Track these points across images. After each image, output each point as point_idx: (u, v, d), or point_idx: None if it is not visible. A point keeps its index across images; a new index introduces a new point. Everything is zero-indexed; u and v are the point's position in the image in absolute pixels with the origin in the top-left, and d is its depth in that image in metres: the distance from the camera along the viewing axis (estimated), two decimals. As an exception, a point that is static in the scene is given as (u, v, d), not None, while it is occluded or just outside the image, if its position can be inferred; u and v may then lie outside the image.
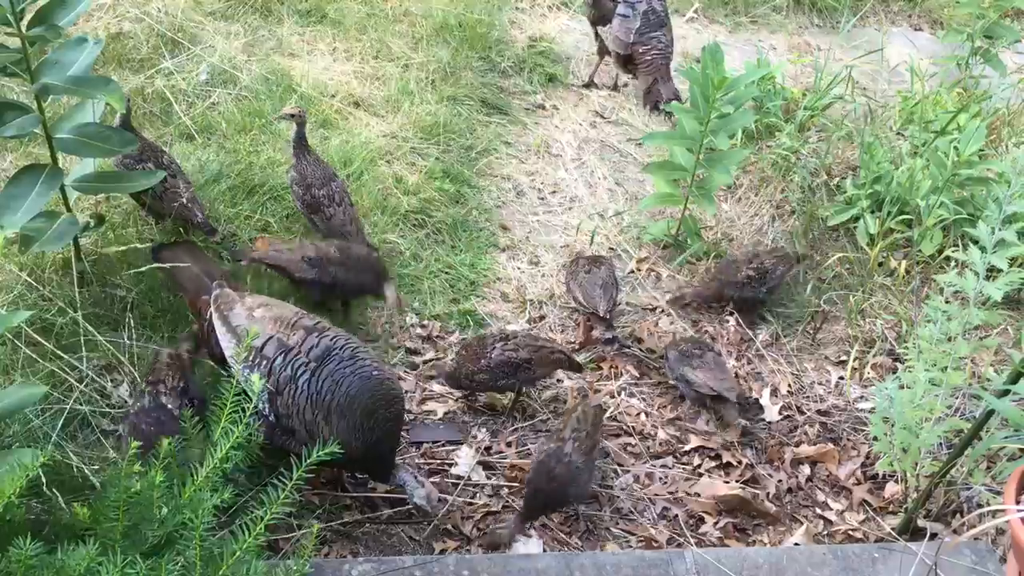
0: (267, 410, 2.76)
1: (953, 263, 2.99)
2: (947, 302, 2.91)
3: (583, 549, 2.95)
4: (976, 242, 2.81)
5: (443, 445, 3.23)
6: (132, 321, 3.28)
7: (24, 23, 2.84)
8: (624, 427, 3.39)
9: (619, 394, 3.49)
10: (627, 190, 4.47)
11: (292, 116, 3.68)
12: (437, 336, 3.63)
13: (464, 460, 3.17)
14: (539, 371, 3.35)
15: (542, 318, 3.79)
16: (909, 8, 6.06)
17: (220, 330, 2.91)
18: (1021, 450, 2.72)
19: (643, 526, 3.05)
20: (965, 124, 4.23)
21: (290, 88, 4.46)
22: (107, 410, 3.04)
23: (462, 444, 3.23)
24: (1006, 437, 2.68)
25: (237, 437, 2.08)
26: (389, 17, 5.07)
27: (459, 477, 3.12)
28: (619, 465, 3.26)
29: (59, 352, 3.08)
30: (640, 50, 4.77)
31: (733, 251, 4.06)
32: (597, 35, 4.99)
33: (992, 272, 2.84)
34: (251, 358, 2.80)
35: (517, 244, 4.11)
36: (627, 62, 4.86)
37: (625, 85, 5.12)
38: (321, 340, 2.81)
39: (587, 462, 2.98)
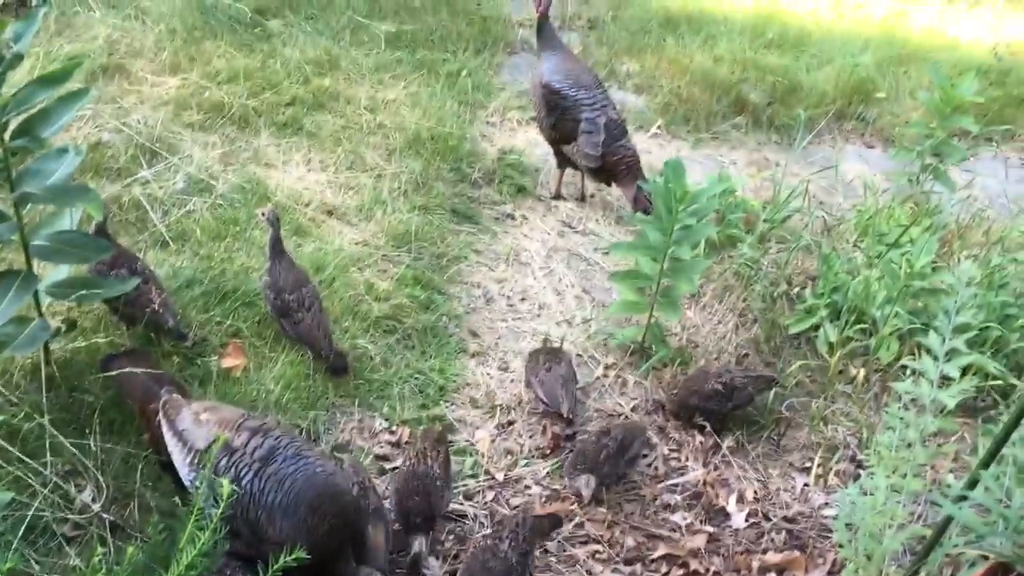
0: (229, 475, 2.76)
1: (909, 371, 3.08)
2: (904, 409, 2.98)
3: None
4: (929, 351, 2.91)
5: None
6: (99, 426, 3.27)
7: (7, 134, 2.92)
8: (591, 534, 3.39)
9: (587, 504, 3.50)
10: (594, 297, 4.57)
11: (263, 215, 3.78)
12: (407, 442, 3.64)
13: (433, 567, 3.15)
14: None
15: (511, 423, 3.82)
16: (862, 127, 6.35)
17: (167, 436, 2.96)
18: (982, 555, 2.75)
19: (611, 636, 3.03)
20: (917, 237, 4.40)
21: (265, 196, 4.56)
22: (69, 516, 3.00)
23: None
24: (965, 543, 2.72)
25: (203, 544, 2.07)
26: (364, 129, 5.23)
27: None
28: (588, 573, 3.24)
29: (24, 457, 3.05)
30: (613, 159, 4.93)
31: (707, 363, 4.11)
32: (557, 151, 5.15)
33: (945, 380, 2.93)
34: (196, 462, 2.82)
35: (486, 350, 4.17)
36: (600, 173, 5.02)
37: (592, 196, 5.29)
38: (266, 441, 2.85)
39: (522, 562, 3.00)
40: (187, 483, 2.87)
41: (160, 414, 3.02)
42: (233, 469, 2.78)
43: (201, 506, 2.17)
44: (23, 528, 2.84)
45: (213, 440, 2.80)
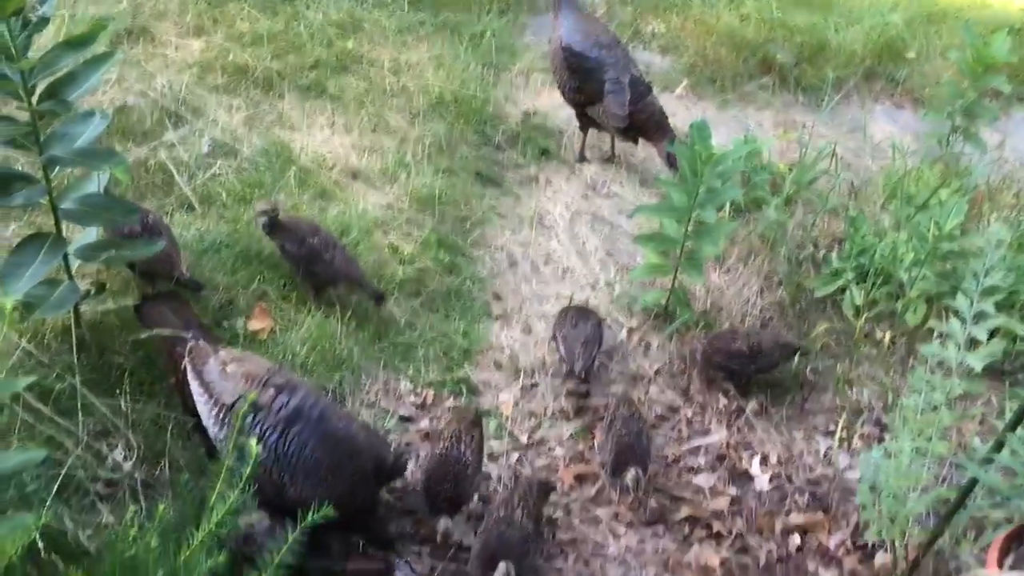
0: (254, 434, 2.80)
1: (936, 334, 3.06)
2: (931, 372, 2.97)
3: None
4: (957, 314, 2.89)
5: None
6: (129, 387, 3.32)
7: (35, 97, 2.95)
8: (614, 496, 3.41)
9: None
10: (618, 261, 4.56)
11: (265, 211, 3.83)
12: (431, 404, 3.67)
13: (457, 526, 3.19)
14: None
15: (534, 386, 3.84)
16: (891, 87, 6.24)
17: (193, 385, 2.99)
18: (1007, 519, 2.75)
19: (634, 595, 3.06)
20: (946, 199, 4.35)
21: (289, 160, 4.57)
22: (102, 475, 3.06)
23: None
24: (989, 505, 2.72)
25: (233, 502, 2.11)
26: (387, 92, 5.21)
27: (450, 546, 3.14)
28: (611, 533, 3.27)
29: (56, 417, 3.11)
30: (641, 117, 4.89)
31: (737, 324, 4.11)
32: (580, 114, 5.11)
33: (973, 343, 2.91)
34: (222, 417, 2.86)
35: (510, 313, 4.18)
36: (628, 132, 4.98)
37: (617, 157, 5.25)
38: (291, 400, 2.88)
39: (536, 529, 3.04)
40: (212, 435, 2.91)
41: (186, 361, 3.04)
42: (258, 428, 2.82)
43: (230, 465, 2.20)
44: (56, 486, 2.90)
45: (239, 397, 2.84)
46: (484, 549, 2.94)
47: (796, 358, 3.91)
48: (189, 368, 3.02)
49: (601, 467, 3.45)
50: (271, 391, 2.89)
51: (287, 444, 2.82)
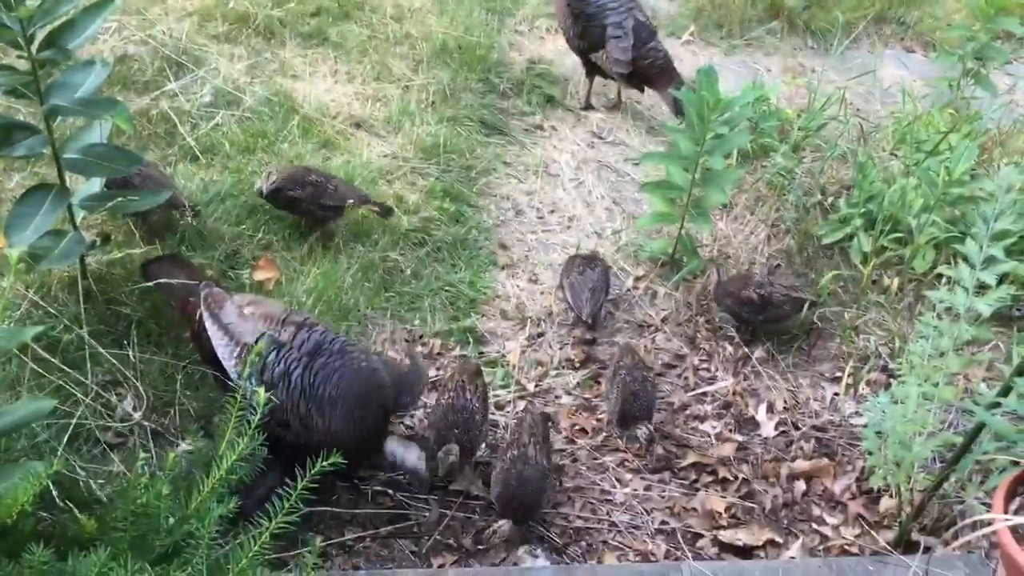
0: (278, 373, 2.88)
1: (945, 280, 3.05)
2: (939, 318, 2.96)
3: (581, 562, 2.99)
4: (966, 259, 2.87)
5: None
6: (136, 337, 3.33)
7: (34, 46, 2.91)
8: (621, 444, 3.43)
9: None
10: (624, 209, 4.53)
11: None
12: (438, 353, 3.68)
13: (463, 475, 3.21)
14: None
15: (541, 334, 3.84)
16: (901, 31, 6.14)
17: (211, 329, 3.00)
18: (1013, 462, 2.75)
19: (641, 540, 3.09)
20: (956, 144, 4.29)
21: (292, 109, 4.53)
22: (112, 424, 3.09)
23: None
24: (996, 449, 2.73)
25: (242, 448, 2.12)
26: (390, 40, 5.15)
27: (458, 492, 3.17)
28: (617, 480, 3.30)
29: (65, 368, 3.13)
30: (644, 63, 4.83)
31: (752, 270, 4.10)
32: (585, 61, 5.05)
33: (982, 289, 2.89)
34: (242, 354, 2.89)
35: (516, 262, 4.17)
36: (632, 79, 4.92)
37: (623, 104, 5.19)
38: (311, 335, 2.95)
39: (550, 463, 3.08)
40: (234, 376, 2.93)
41: (202, 307, 3.04)
42: (283, 363, 2.88)
43: (250, 403, 2.22)
44: (67, 436, 2.93)
45: (261, 335, 2.89)
46: (505, 490, 2.96)
47: (805, 309, 3.90)
48: (206, 313, 3.03)
49: (608, 420, 3.46)
50: (291, 328, 2.96)
51: (313, 376, 2.88)
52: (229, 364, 2.94)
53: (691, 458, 3.39)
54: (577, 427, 3.48)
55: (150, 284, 3.26)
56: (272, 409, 2.72)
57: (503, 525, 2.94)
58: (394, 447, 3.02)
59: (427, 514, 3.08)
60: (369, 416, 2.96)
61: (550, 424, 3.35)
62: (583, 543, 3.07)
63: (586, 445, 3.42)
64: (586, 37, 4.90)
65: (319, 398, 2.88)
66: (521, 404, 3.55)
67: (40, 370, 3.08)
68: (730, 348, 3.85)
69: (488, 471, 3.19)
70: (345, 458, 2.80)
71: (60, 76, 3.06)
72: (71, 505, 2.43)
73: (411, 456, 3.01)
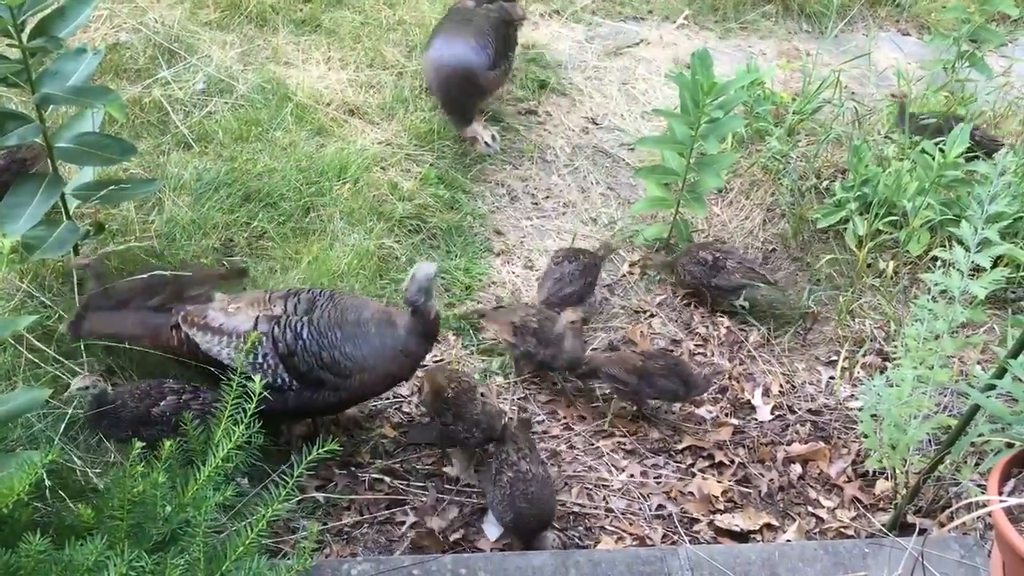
0: (286, 381, 2.95)
1: (940, 263, 3.05)
2: (934, 301, 2.97)
3: (579, 547, 3.00)
4: (961, 242, 2.87)
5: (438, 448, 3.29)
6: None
7: (25, 35, 2.90)
8: (617, 428, 3.44)
9: (612, 396, 3.54)
10: (619, 194, 4.53)
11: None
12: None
13: (459, 463, 3.22)
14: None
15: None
16: (896, 13, 6.12)
17: (205, 339, 2.99)
18: (1008, 444, 2.76)
19: (638, 524, 3.10)
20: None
21: (285, 97, 4.51)
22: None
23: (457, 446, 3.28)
24: (991, 431, 2.73)
25: (238, 437, 2.12)
26: (383, 26, 5.12)
27: (454, 479, 3.18)
28: (613, 465, 3.31)
29: (59, 357, 3.12)
30: None
31: (725, 241, 4.18)
32: None
33: (976, 271, 2.90)
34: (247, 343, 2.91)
35: (511, 249, 4.17)
36: None
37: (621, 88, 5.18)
38: (300, 296, 3.06)
39: (545, 467, 3.05)
40: (248, 368, 2.87)
41: (185, 329, 3.01)
42: (288, 331, 2.95)
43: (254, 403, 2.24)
44: (63, 426, 2.92)
45: (256, 318, 2.96)
46: (519, 517, 2.89)
47: (806, 289, 3.91)
48: (193, 331, 3.01)
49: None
50: (279, 302, 3.03)
51: (319, 324, 2.98)
52: (237, 359, 2.90)
53: (687, 441, 3.40)
54: (576, 414, 3.48)
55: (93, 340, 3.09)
56: (300, 377, 2.92)
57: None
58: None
59: (424, 499, 3.09)
60: (390, 324, 3.07)
61: (529, 428, 3.27)
62: (580, 528, 3.08)
63: (583, 431, 3.42)
64: None
65: (337, 342, 2.98)
66: (520, 392, 3.55)
67: (35, 360, 3.07)
68: (725, 332, 3.86)
69: (483, 466, 3.19)
70: (390, 374, 3.07)
71: (51, 64, 3.05)
72: (64, 496, 2.43)
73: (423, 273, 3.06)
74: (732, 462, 3.34)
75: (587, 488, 3.22)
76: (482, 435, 3.11)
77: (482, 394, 3.22)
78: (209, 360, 2.99)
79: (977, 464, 3.00)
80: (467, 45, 4.42)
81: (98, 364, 3.19)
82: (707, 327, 3.88)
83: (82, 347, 3.15)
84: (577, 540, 3.04)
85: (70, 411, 2.95)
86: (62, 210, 3.27)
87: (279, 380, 2.94)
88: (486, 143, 4.37)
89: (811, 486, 3.29)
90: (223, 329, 2.99)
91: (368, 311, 3.10)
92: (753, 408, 3.57)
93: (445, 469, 3.20)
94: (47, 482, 2.42)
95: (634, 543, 3.03)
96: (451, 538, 2.99)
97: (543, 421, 3.45)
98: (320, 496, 3.02)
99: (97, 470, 2.85)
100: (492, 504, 2.98)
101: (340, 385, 3.00)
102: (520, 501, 2.89)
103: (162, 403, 2.85)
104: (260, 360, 2.94)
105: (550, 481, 3.02)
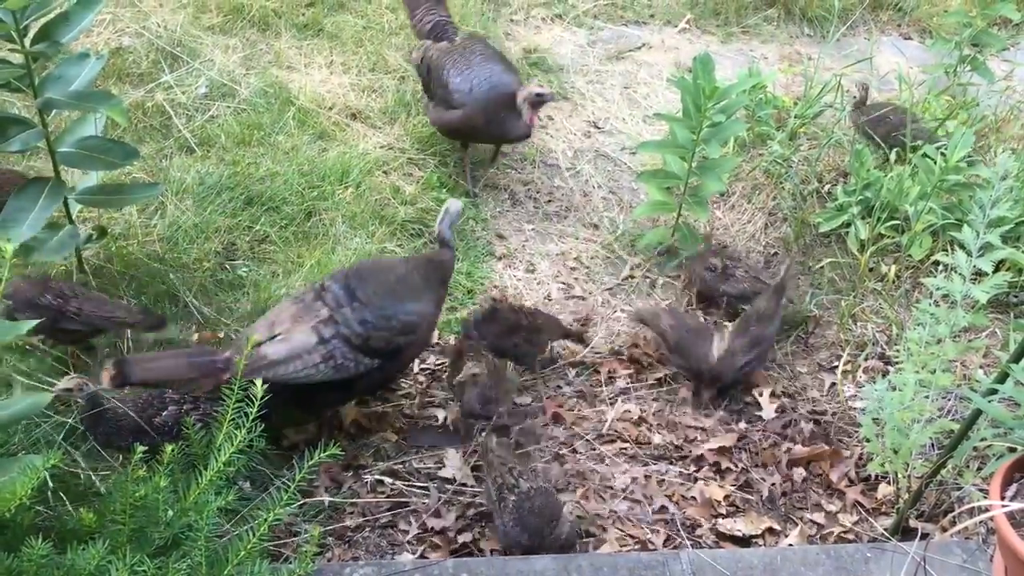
0: (368, 364, 3.05)
1: (941, 267, 3.05)
2: (935, 305, 2.96)
3: (580, 551, 3.00)
4: (962, 246, 2.87)
5: (441, 450, 3.28)
6: (131, 332, 3.33)
7: (28, 39, 2.91)
8: (620, 433, 3.44)
9: (614, 400, 3.54)
10: (621, 198, 4.53)
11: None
12: (435, 344, 3.68)
13: (453, 463, 3.22)
14: None
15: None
16: (898, 17, 6.13)
17: (279, 372, 2.93)
18: (1010, 448, 2.76)
19: (640, 528, 3.09)
20: (953, 131, 4.29)
21: (288, 101, 4.52)
22: (110, 418, 3.08)
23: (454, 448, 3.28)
24: (993, 436, 2.73)
25: (240, 441, 2.13)
26: (385, 30, 5.13)
27: (448, 480, 3.18)
28: (616, 469, 3.30)
29: (62, 361, 3.13)
30: None
31: (741, 249, 4.21)
32: None
33: (978, 275, 2.90)
34: (320, 348, 2.98)
35: (513, 252, 4.17)
36: None
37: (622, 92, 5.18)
38: (330, 287, 3.08)
39: (544, 480, 3.02)
40: (348, 365, 3.01)
41: (250, 371, 2.76)
42: (351, 323, 3.01)
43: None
44: (65, 430, 2.93)
45: (313, 327, 2.99)
46: (535, 534, 2.86)
47: (808, 293, 3.90)
48: (261, 374, 2.79)
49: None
50: (318, 304, 3.04)
51: (372, 301, 3.05)
52: (319, 366, 2.97)
53: (689, 448, 3.39)
54: (579, 417, 3.48)
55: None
56: (382, 356, 3.07)
57: None
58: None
59: (426, 501, 3.08)
60: (430, 264, 3.25)
61: (508, 438, 3.24)
62: (580, 532, 3.08)
63: (585, 434, 3.42)
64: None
65: (396, 305, 3.08)
66: (527, 399, 3.55)
67: (37, 363, 3.07)
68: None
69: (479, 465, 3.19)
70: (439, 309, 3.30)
71: (54, 69, 3.06)
72: (66, 500, 2.44)
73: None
74: (735, 466, 3.34)
75: (590, 491, 3.21)
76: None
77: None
78: (280, 393, 2.80)
79: (979, 468, 3.00)
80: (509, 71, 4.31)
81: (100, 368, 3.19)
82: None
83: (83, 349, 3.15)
84: (578, 543, 3.03)
85: (71, 420, 2.96)
86: (65, 214, 3.28)
87: (361, 367, 3.03)
88: (537, 94, 4.13)
89: (813, 490, 3.29)
90: (291, 356, 2.95)
91: (401, 267, 3.22)
92: (756, 412, 3.56)
93: (441, 472, 3.20)
94: (49, 486, 2.43)
95: (636, 547, 3.03)
96: (455, 539, 2.99)
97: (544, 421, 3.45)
98: (324, 499, 3.02)
99: (99, 474, 2.85)
100: (503, 531, 2.90)
101: (412, 341, 3.15)
102: (530, 517, 2.86)
103: (163, 413, 2.84)
104: (340, 362, 2.99)
105: (551, 490, 2.99)
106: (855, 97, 4.58)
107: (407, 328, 3.10)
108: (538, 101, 4.13)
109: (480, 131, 4.25)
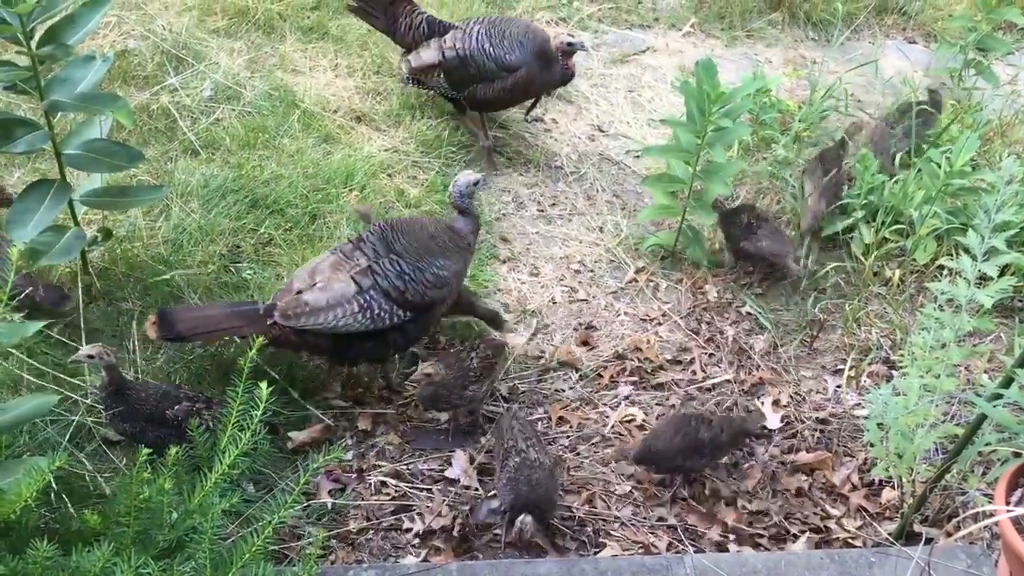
0: (403, 317, 3.22)
1: (946, 271, 3.04)
2: (940, 310, 2.96)
3: (584, 554, 3.00)
4: (967, 251, 2.87)
5: (444, 452, 3.29)
6: (137, 333, 3.33)
7: (34, 42, 2.92)
8: (622, 436, 3.44)
9: (618, 405, 3.54)
10: (626, 202, 4.53)
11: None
12: (441, 348, 3.69)
13: (459, 464, 3.22)
14: None
15: (544, 327, 3.84)
16: (903, 21, 6.13)
17: (319, 320, 3.14)
18: (1015, 453, 2.76)
19: (643, 532, 3.09)
20: (957, 135, 4.29)
21: (293, 104, 4.53)
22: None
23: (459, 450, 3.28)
24: (997, 441, 2.73)
25: (245, 443, 2.13)
26: (390, 33, 5.14)
27: (452, 480, 3.19)
28: (619, 472, 3.30)
29: (66, 365, 3.13)
30: None
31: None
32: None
33: (983, 280, 2.89)
34: (363, 301, 3.17)
35: (517, 256, 4.17)
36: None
37: (626, 97, 5.19)
38: (368, 239, 3.29)
39: (551, 459, 3.06)
40: (386, 315, 3.19)
41: (288, 323, 3.13)
42: (388, 275, 3.20)
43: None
44: (70, 432, 2.93)
45: (352, 276, 3.18)
46: (518, 498, 2.91)
47: (811, 298, 3.90)
48: (303, 320, 3.13)
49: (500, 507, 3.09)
50: (357, 254, 3.25)
51: (407, 254, 3.25)
52: (361, 320, 3.17)
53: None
54: (581, 420, 3.48)
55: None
56: (416, 309, 3.25)
57: (526, 521, 2.89)
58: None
59: (431, 504, 3.08)
60: (453, 229, 3.40)
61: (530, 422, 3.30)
62: (585, 535, 3.08)
63: (588, 438, 3.42)
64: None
65: (429, 260, 3.26)
66: (524, 396, 3.55)
67: (41, 366, 3.08)
68: (732, 341, 3.85)
69: (487, 466, 3.19)
70: (465, 272, 3.49)
71: (60, 71, 3.07)
72: (71, 502, 2.44)
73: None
74: (738, 469, 3.33)
75: (593, 494, 3.21)
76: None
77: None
78: (317, 342, 3.21)
79: (984, 473, 3.00)
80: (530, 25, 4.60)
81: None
82: (715, 335, 3.87)
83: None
84: (582, 547, 3.03)
85: (76, 418, 2.97)
86: (70, 216, 3.29)
87: (395, 319, 3.18)
88: (568, 43, 4.40)
89: (818, 495, 3.28)
90: (331, 303, 3.14)
91: (431, 225, 3.40)
92: (761, 417, 3.55)
93: (446, 473, 3.20)
94: (54, 488, 2.44)
95: (639, 551, 3.02)
96: (459, 542, 2.99)
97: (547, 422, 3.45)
98: (327, 501, 3.02)
99: (104, 476, 2.86)
100: (497, 486, 3.02)
101: (443, 297, 3.31)
102: (523, 486, 2.92)
103: (176, 407, 2.87)
104: (377, 313, 3.17)
105: (555, 471, 3.04)
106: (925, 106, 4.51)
107: (440, 282, 3.27)
108: (569, 50, 4.40)
109: (536, 82, 4.46)
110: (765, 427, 3.50)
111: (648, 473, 3.24)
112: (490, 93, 4.43)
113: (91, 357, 2.81)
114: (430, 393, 3.23)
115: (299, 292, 3.16)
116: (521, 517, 2.90)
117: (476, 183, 3.41)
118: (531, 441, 3.06)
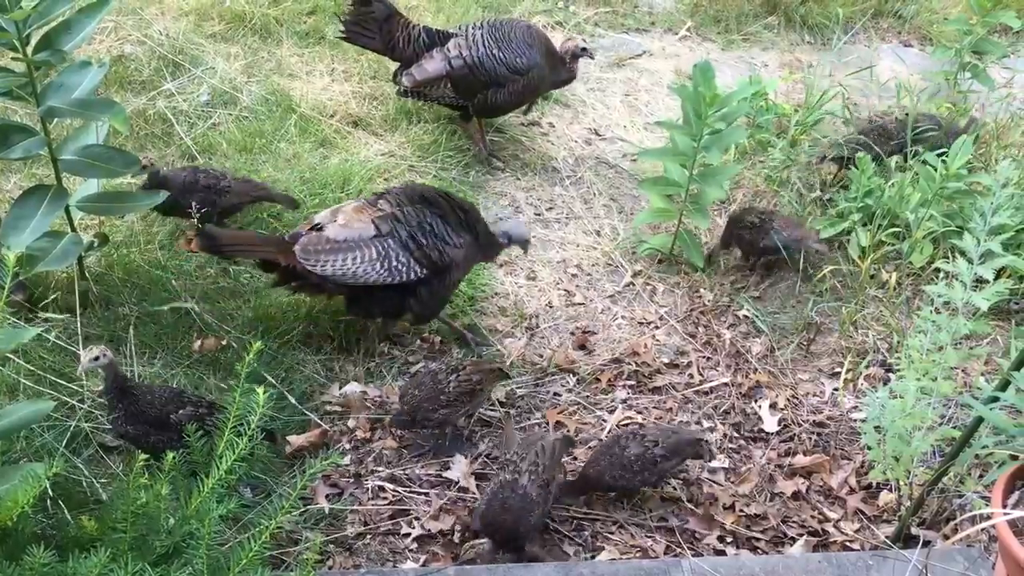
0: (418, 273, 3.35)
1: (942, 274, 3.05)
2: (936, 313, 2.96)
3: (581, 557, 2.99)
4: (963, 254, 2.87)
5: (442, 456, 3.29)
6: (134, 339, 3.33)
7: (30, 48, 2.92)
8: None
9: (615, 409, 3.54)
10: (622, 205, 4.54)
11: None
12: (439, 349, 3.69)
13: (458, 468, 3.22)
14: None
15: (541, 331, 3.84)
16: (899, 25, 6.15)
17: (336, 262, 3.25)
18: (1012, 456, 2.76)
19: (641, 536, 3.09)
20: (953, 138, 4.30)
21: (289, 108, 4.53)
22: (109, 427, 3.08)
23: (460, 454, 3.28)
24: (994, 444, 2.73)
25: (242, 448, 2.12)
26: (386, 38, 5.14)
27: (450, 484, 3.18)
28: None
29: (63, 370, 3.13)
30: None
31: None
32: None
33: (979, 283, 2.90)
34: (383, 246, 3.31)
35: (514, 259, 4.17)
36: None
37: (624, 100, 5.19)
38: (392, 191, 3.48)
39: (542, 495, 2.94)
40: (391, 268, 3.31)
41: (308, 260, 3.24)
42: (409, 224, 3.35)
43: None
44: (66, 438, 2.93)
45: (372, 221, 3.33)
46: (487, 513, 2.89)
47: (807, 300, 3.90)
48: (323, 257, 3.24)
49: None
50: (381, 201, 3.40)
51: (424, 206, 3.41)
52: (379, 270, 3.28)
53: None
54: (578, 425, 3.48)
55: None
56: (432, 267, 3.37)
57: (483, 544, 2.87)
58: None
59: (428, 508, 3.08)
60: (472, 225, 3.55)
61: (569, 448, 3.25)
62: (583, 538, 3.07)
63: (585, 442, 3.42)
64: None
65: (442, 233, 3.40)
66: (520, 401, 3.55)
67: (38, 372, 3.08)
68: (729, 344, 3.85)
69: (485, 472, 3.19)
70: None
71: (56, 77, 3.07)
72: (68, 508, 2.43)
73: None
74: (736, 472, 3.34)
75: (590, 497, 3.21)
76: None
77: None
78: (337, 286, 3.31)
79: (981, 476, 2.99)
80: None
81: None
82: (712, 339, 3.88)
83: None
84: (580, 550, 3.03)
85: (73, 423, 2.96)
86: (67, 222, 3.28)
87: (412, 275, 3.29)
88: (583, 48, 4.58)
89: (815, 498, 3.28)
90: (350, 243, 3.24)
91: (454, 199, 3.57)
92: (758, 419, 3.56)
93: (446, 473, 3.20)
94: (51, 494, 2.43)
95: (637, 554, 3.02)
96: (457, 546, 2.99)
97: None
98: (325, 506, 3.01)
99: (101, 482, 2.85)
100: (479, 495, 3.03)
101: (457, 264, 3.45)
102: (497, 505, 2.87)
103: (180, 411, 2.85)
104: (395, 264, 3.29)
105: (535, 507, 2.90)
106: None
107: (458, 243, 3.42)
108: (581, 54, 4.58)
109: (546, 81, 4.57)
110: (763, 430, 3.50)
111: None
112: (501, 98, 4.44)
113: (96, 359, 2.78)
114: (400, 421, 3.21)
115: (320, 228, 3.28)
116: (475, 540, 2.88)
117: (523, 245, 3.74)
118: (534, 467, 2.95)
